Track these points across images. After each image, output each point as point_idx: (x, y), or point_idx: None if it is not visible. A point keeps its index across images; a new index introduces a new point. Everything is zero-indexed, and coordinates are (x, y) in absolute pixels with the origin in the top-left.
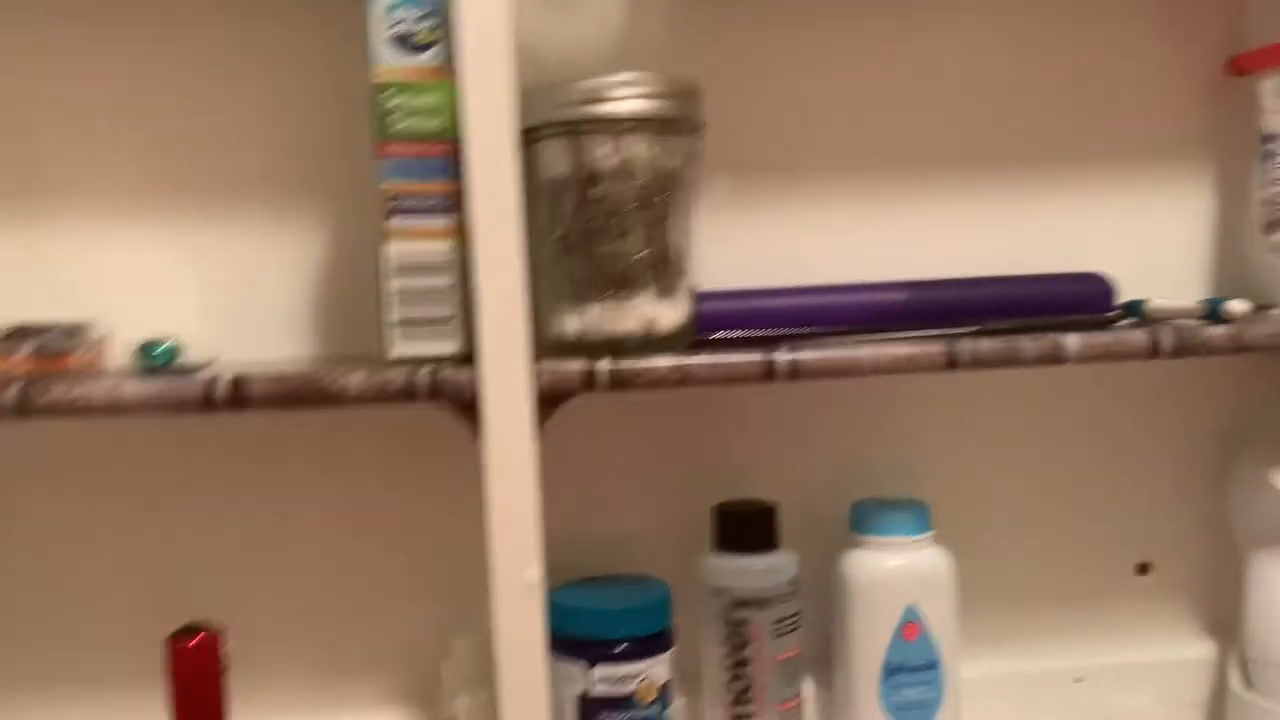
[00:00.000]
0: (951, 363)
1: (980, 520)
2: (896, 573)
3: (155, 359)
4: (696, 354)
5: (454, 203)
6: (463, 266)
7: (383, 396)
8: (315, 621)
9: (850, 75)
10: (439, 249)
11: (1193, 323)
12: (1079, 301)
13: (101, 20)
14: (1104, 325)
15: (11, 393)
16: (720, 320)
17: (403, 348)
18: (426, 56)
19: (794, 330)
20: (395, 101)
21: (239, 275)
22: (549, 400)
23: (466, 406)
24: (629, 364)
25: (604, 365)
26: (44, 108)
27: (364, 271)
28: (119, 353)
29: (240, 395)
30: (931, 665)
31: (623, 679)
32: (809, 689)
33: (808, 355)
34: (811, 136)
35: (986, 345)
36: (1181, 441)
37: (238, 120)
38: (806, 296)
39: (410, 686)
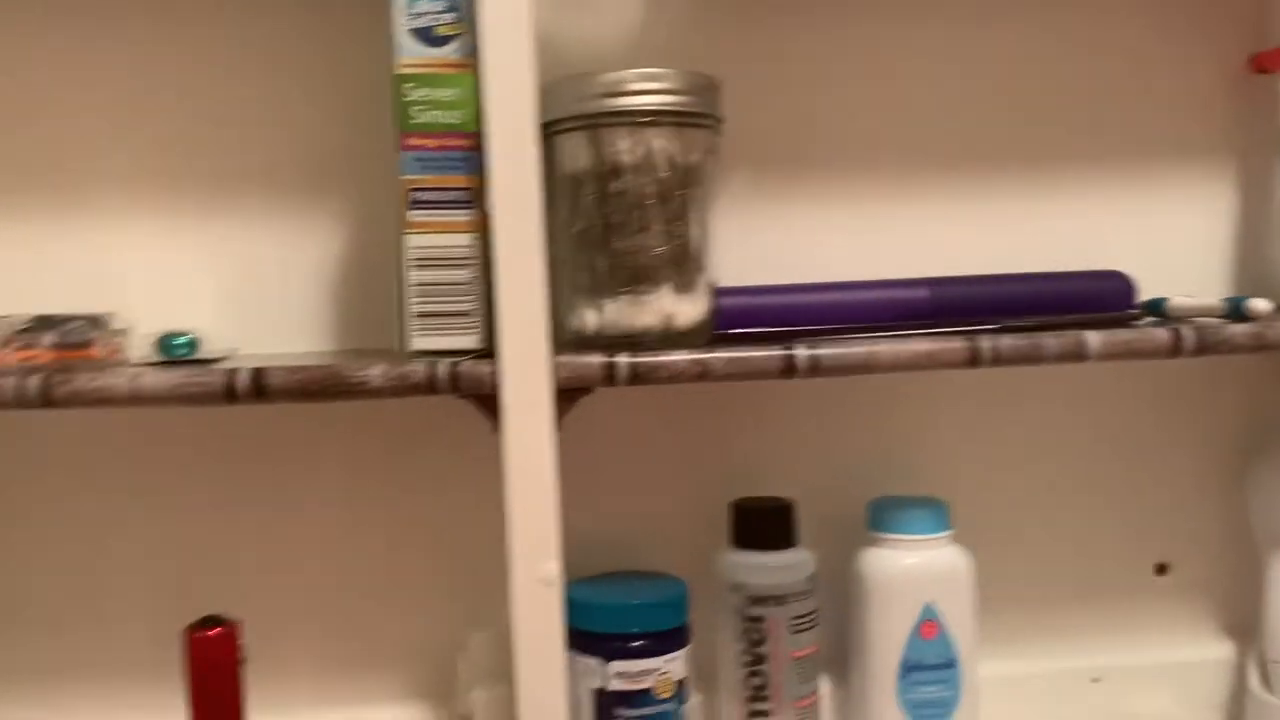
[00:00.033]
0: (973, 359)
1: (998, 519)
2: (914, 570)
3: (175, 351)
4: (715, 349)
5: (475, 196)
6: (483, 260)
7: (404, 389)
8: (332, 614)
9: (871, 71)
10: (459, 242)
11: (1215, 321)
12: (1099, 299)
13: (121, 16)
14: (1125, 323)
15: (34, 382)
16: (739, 316)
17: (422, 341)
18: (448, 49)
19: (813, 327)
20: (417, 94)
21: (256, 269)
22: (568, 394)
23: (486, 399)
24: (648, 358)
25: (623, 359)
26: (65, 103)
27: (381, 267)
28: (138, 346)
29: (261, 386)
30: (949, 664)
31: (639, 674)
32: (825, 688)
33: (828, 351)
34: (831, 133)
35: (1008, 342)
36: (1200, 441)
37: (256, 115)
38: (826, 293)
39: (427, 681)
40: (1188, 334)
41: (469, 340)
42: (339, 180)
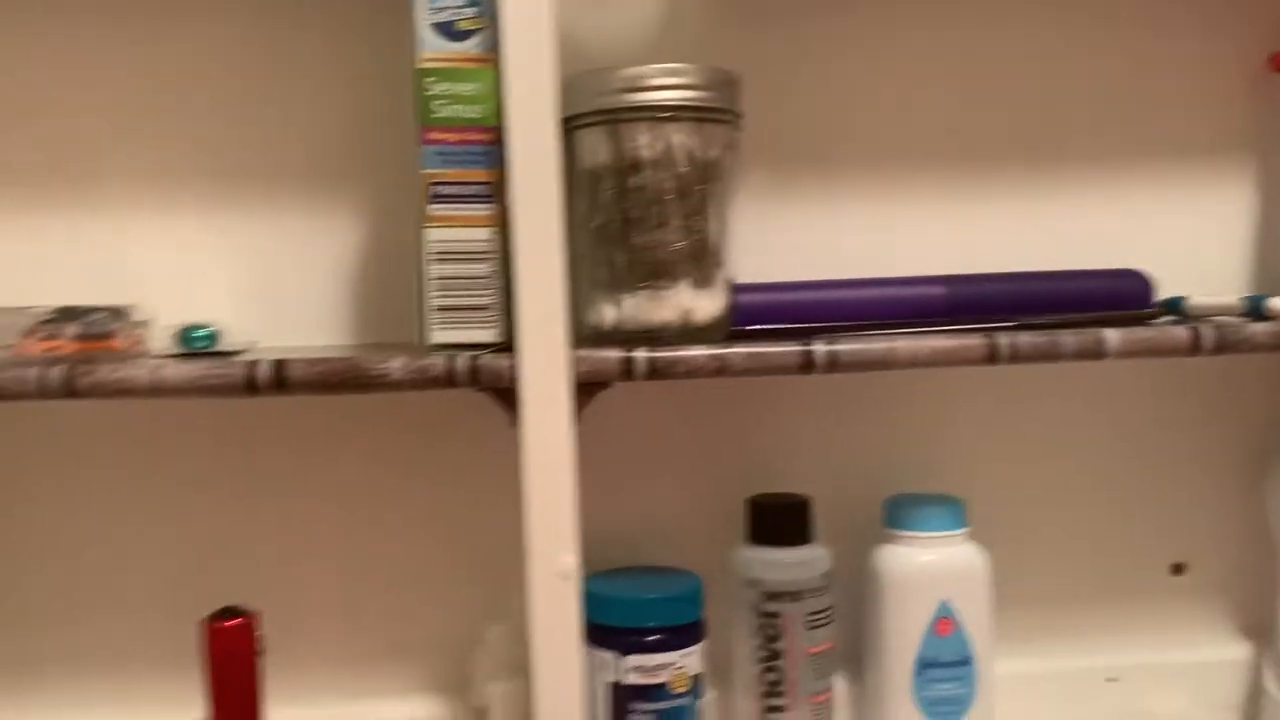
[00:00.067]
0: (991, 356)
1: (1014, 518)
2: (930, 568)
3: (195, 344)
4: (733, 345)
5: (495, 190)
6: (503, 254)
7: (423, 382)
8: (349, 607)
9: (890, 68)
10: (479, 236)
11: (1234, 320)
12: (1117, 298)
13: (142, 13)
14: (1143, 321)
15: (57, 373)
16: (757, 313)
17: (442, 334)
18: (469, 44)
19: (830, 324)
20: (438, 88)
21: (275, 264)
22: (586, 388)
23: (505, 393)
24: (666, 353)
25: (641, 354)
26: (86, 97)
27: (399, 261)
28: (159, 338)
29: (282, 378)
30: (965, 661)
31: (655, 669)
32: (840, 685)
33: (846, 347)
34: (850, 129)
35: (1026, 339)
36: (1218, 441)
37: (276, 110)
38: (843, 290)
39: (443, 673)
40: (1207, 332)
41: (488, 334)
42: (358, 175)
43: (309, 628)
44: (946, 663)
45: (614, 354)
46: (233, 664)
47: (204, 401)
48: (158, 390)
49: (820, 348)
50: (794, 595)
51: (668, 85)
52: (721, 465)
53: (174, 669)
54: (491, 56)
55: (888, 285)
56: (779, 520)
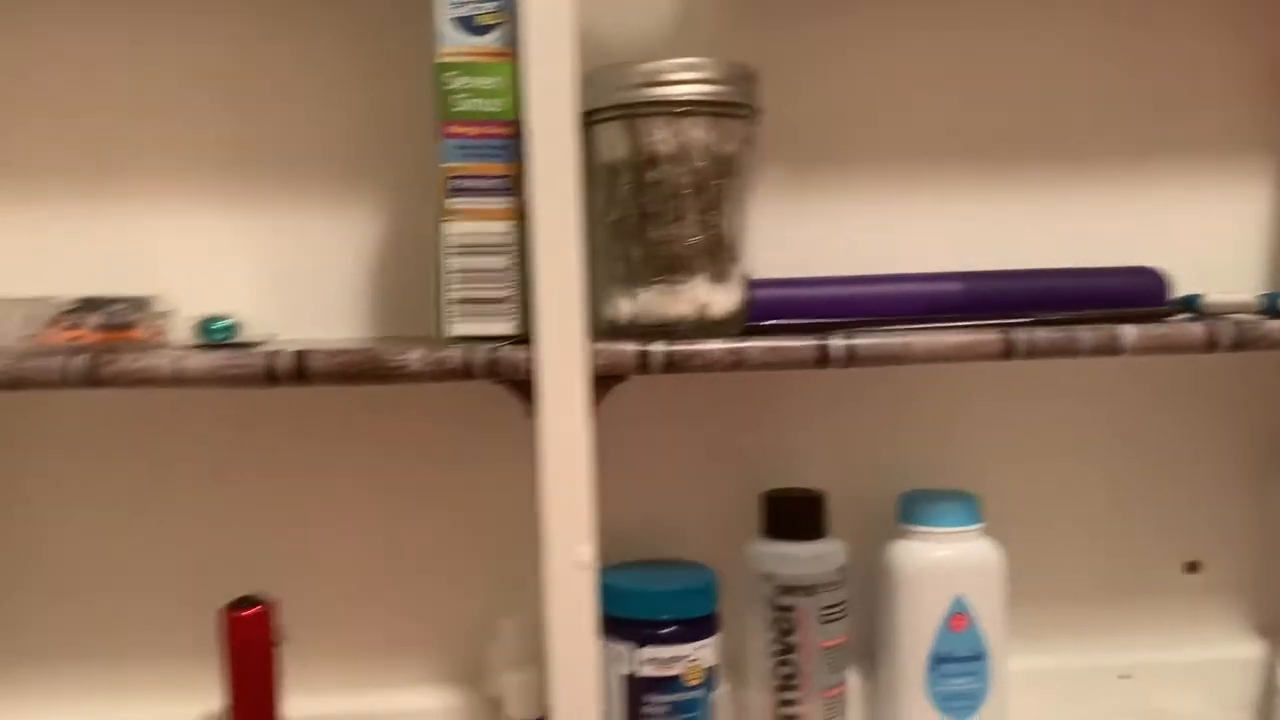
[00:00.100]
0: (1007, 351)
1: (1029, 514)
2: (945, 563)
3: (215, 335)
4: (750, 339)
5: (513, 184)
6: (521, 247)
7: (441, 373)
8: (366, 597)
9: (907, 65)
10: (498, 229)
11: (1251, 317)
12: (1133, 295)
13: (164, 6)
14: (1159, 318)
15: (79, 362)
16: (773, 308)
17: (460, 327)
18: (489, 38)
19: (846, 320)
20: (458, 82)
21: (295, 256)
22: (603, 381)
23: (522, 385)
24: (683, 346)
25: (658, 347)
26: (110, 91)
27: (418, 255)
28: (179, 329)
29: (302, 369)
30: (978, 656)
31: (669, 660)
32: (854, 680)
33: (862, 341)
34: (867, 125)
35: (1042, 335)
36: (1233, 439)
37: (297, 103)
38: (859, 286)
39: (459, 664)
40: (1223, 329)
41: (506, 326)
42: (378, 168)
43: (325, 618)
44: (960, 658)
45: (630, 347)
46: (251, 652)
47: (223, 392)
48: (179, 380)
49: (837, 342)
50: (808, 589)
51: (685, 80)
52: (736, 459)
53: (192, 657)
54: (511, 51)
55: (904, 281)
56: (794, 514)
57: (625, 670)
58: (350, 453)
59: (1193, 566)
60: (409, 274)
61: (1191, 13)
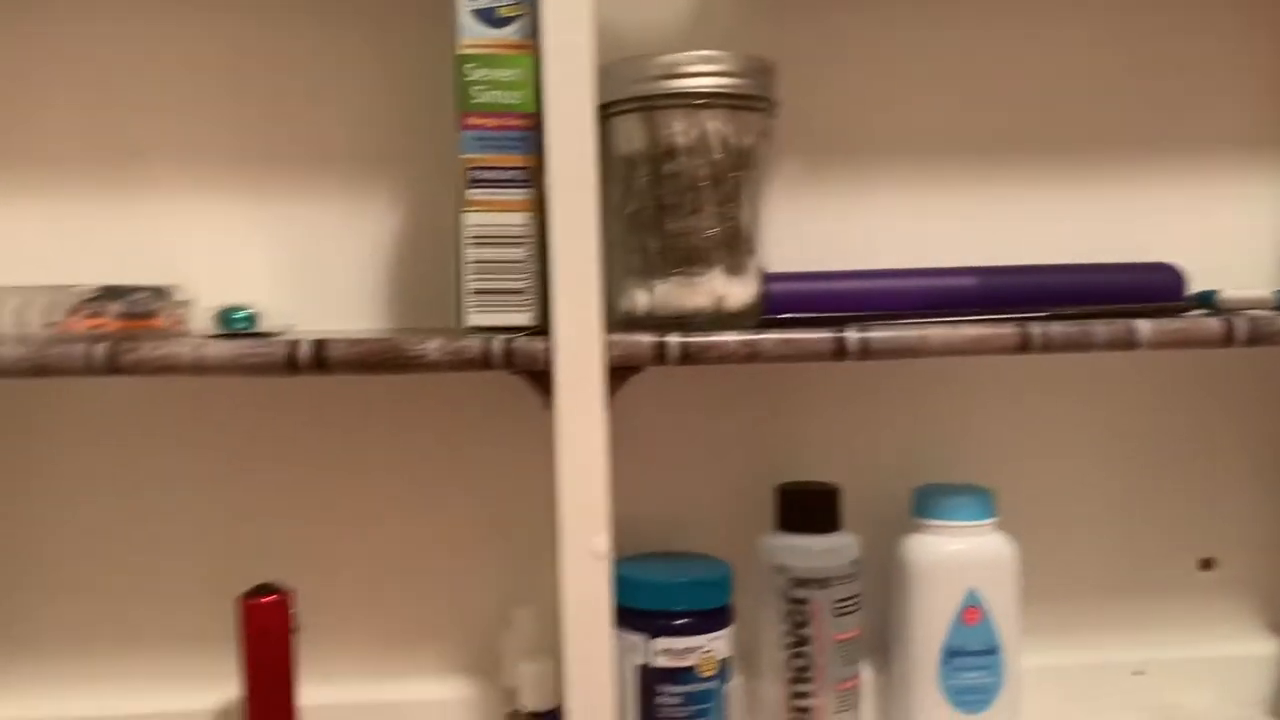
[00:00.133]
0: (1023, 345)
1: (1043, 510)
2: (959, 556)
3: (234, 325)
4: (766, 331)
5: (532, 175)
6: (539, 238)
7: (459, 363)
8: (382, 586)
9: (923, 60)
10: (516, 220)
11: (1267, 313)
12: (1149, 291)
13: None
14: (1175, 314)
15: (101, 349)
16: (788, 302)
17: (478, 317)
18: (509, 30)
19: (862, 314)
20: (477, 74)
21: (314, 247)
22: (619, 372)
23: (539, 376)
24: (699, 338)
25: (674, 338)
26: (132, 83)
27: (436, 247)
28: (199, 319)
29: (322, 358)
30: (992, 650)
31: (683, 652)
32: (867, 673)
33: (878, 334)
34: (883, 120)
35: (1058, 328)
36: (1248, 436)
37: (317, 95)
38: (875, 280)
39: (474, 653)
40: (1240, 324)
41: (523, 317)
42: (397, 160)
43: (341, 607)
44: (973, 651)
45: (647, 338)
46: (268, 640)
47: (241, 382)
48: (200, 368)
49: (853, 334)
50: (822, 582)
51: (703, 72)
52: (751, 453)
53: (210, 645)
54: (530, 43)
55: (919, 276)
56: (808, 508)
57: (639, 661)
58: (368, 443)
59: (1207, 563)
60: (427, 266)
61: (1209, 9)
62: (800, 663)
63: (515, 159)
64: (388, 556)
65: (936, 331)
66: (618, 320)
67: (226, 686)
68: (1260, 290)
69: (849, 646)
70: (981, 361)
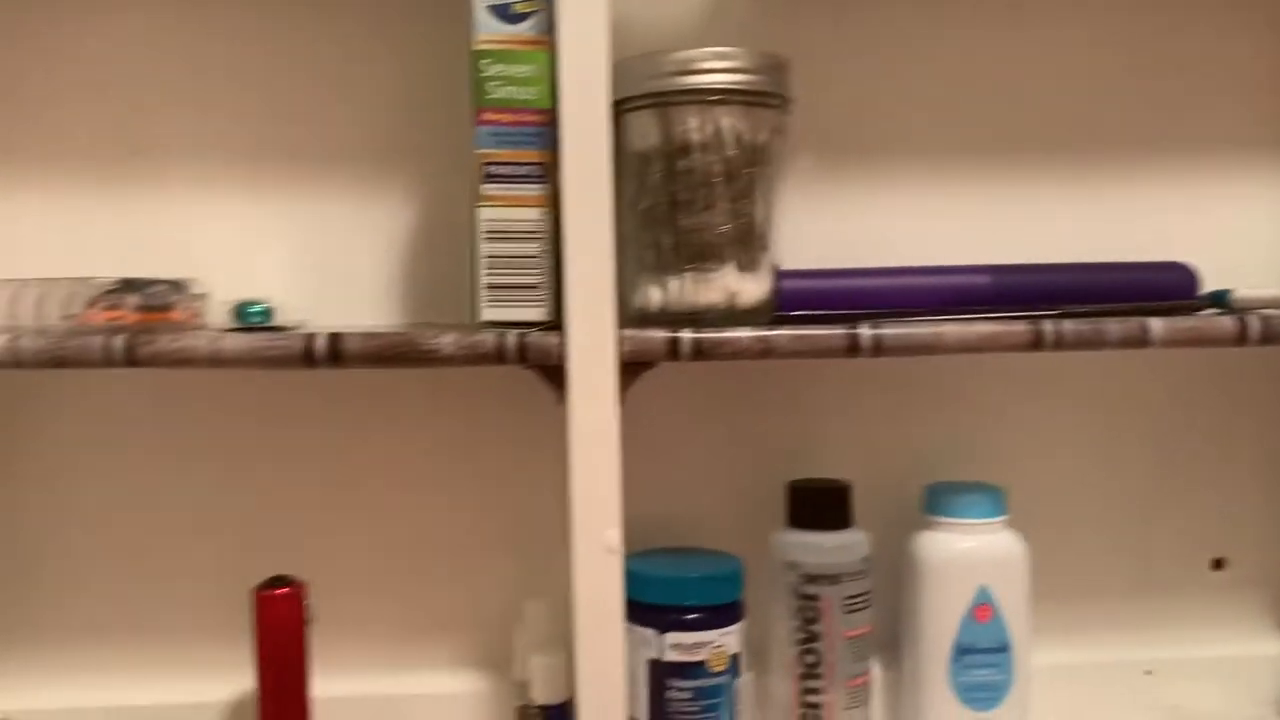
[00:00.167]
0: (1036, 342)
1: (1054, 508)
2: (970, 554)
3: (250, 318)
4: (779, 327)
5: (546, 171)
6: (553, 234)
7: (473, 358)
8: (393, 579)
9: (937, 58)
10: (530, 216)
11: None
12: (1162, 290)
13: None
14: (1187, 313)
15: (119, 342)
16: (801, 299)
17: (492, 312)
18: (524, 26)
19: (874, 311)
20: (493, 70)
21: (329, 243)
22: (632, 368)
23: (553, 370)
24: (712, 334)
25: (688, 334)
26: (149, 78)
27: (451, 243)
28: (215, 313)
29: (338, 351)
30: (1002, 648)
31: (694, 646)
32: (877, 670)
33: (892, 330)
34: (897, 118)
35: (1071, 326)
36: (1261, 436)
37: (333, 90)
38: (888, 278)
39: (486, 647)
40: (1253, 323)
41: (537, 312)
42: (412, 155)
43: (354, 599)
44: (984, 649)
45: (660, 334)
46: (281, 632)
47: (257, 375)
48: (217, 360)
49: (866, 330)
50: (833, 578)
51: (718, 69)
52: (762, 449)
53: (224, 636)
54: (546, 39)
55: (932, 274)
56: (819, 504)
57: (651, 655)
58: (382, 437)
59: (1218, 563)
60: (442, 262)
61: (1220, 8)
62: (811, 659)
63: (530, 154)
64: (400, 550)
65: (949, 328)
66: (631, 316)
67: (240, 678)
68: (1274, 290)
69: (859, 643)
70: (993, 360)
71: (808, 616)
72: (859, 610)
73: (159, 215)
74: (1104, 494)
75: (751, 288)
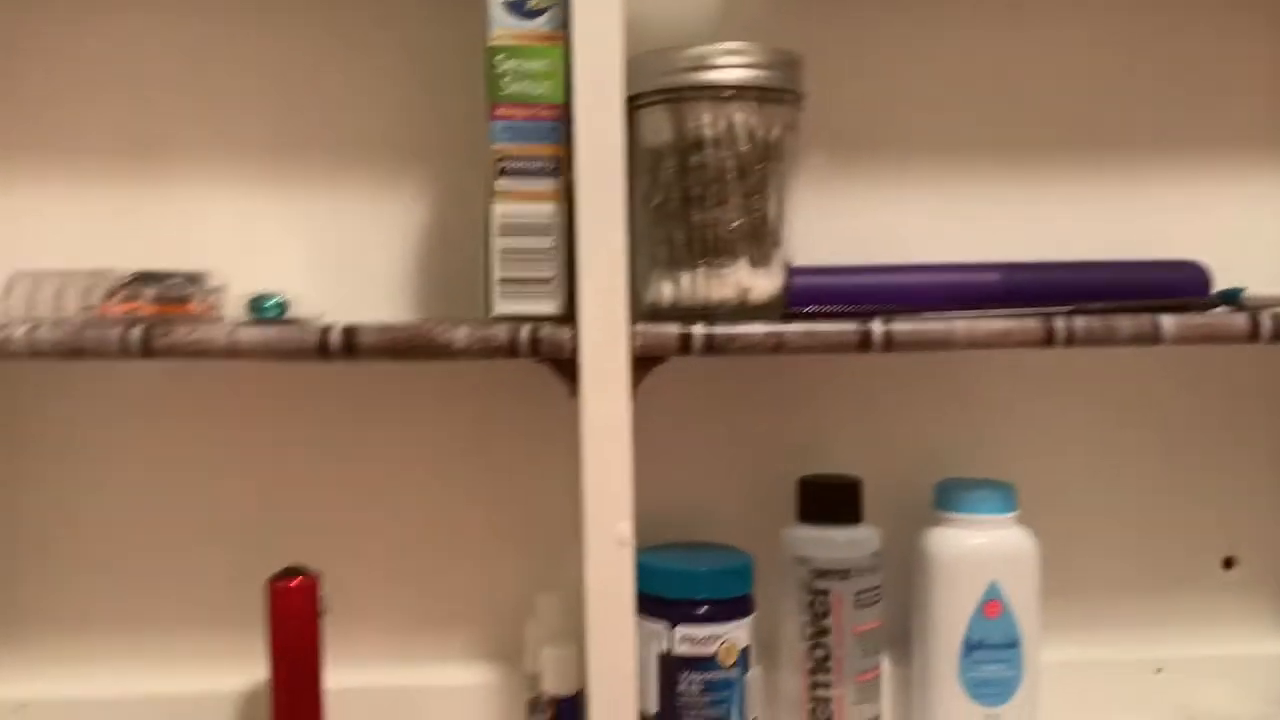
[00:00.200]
0: (1048, 338)
1: (1064, 506)
2: (980, 550)
3: (265, 312)
4: (790, 323)
5: (560, 166)
6: (566, 228)
7: (486, 351)
8: (405, 572)
9: (950, 56)
10: (544, 210)
11: None
12: (1173, 289)
13: None
14: (1200, 312)
15: (136, 333)
16: (813, 295)
17: (505, 305)
18: (539, 21)
19: (886, 308)
20: (507, 65)
21: (344, 237)
22: (643, 362)
23: (565, 364)
24: (724, 329)
25: (699, 329)
26: (168, 73)
27: (465, 237)
28: (230, 306)
29: (352, 344)
30: (1012, 644)
31: (704, 640)
32: (887, 665)
33: (903, 326)
34: (909, 115)
35: (1082, 323)
36: (1273, 434)
37: (348, 85)
38: (899, 275)
39: (498, 639)
40: (1265, 321)
41: (550, 306)
42: (427, 150)
43: (367, 591)
44: (994, 645)
45: (672, 329)
46: (295, 623)
47: (271, 368)
48: (233, 352)
49: (877, 326)
50: (843, 574)
51: (731, 65)
52: (773, 444)
53: (237, 627)
54: (560, 35)
55: (944, 271)
56: (830, 499)
57: (661, 648)
58: (395, 429)
59: (1229, 562)
60: (456, 256)
61: (1231, 6)
62: (820, 654)
63: (544, 149)
64: (413, 542)
65: (961, 324)
66: (643, 310)
67: (253, 668)
68: None
69: (869, 638)
70: (1004, 356)
71: (818, 611)
72: (869, 605)
73: (176, 210)
74: (1114, 491)
75: (763, 283)
